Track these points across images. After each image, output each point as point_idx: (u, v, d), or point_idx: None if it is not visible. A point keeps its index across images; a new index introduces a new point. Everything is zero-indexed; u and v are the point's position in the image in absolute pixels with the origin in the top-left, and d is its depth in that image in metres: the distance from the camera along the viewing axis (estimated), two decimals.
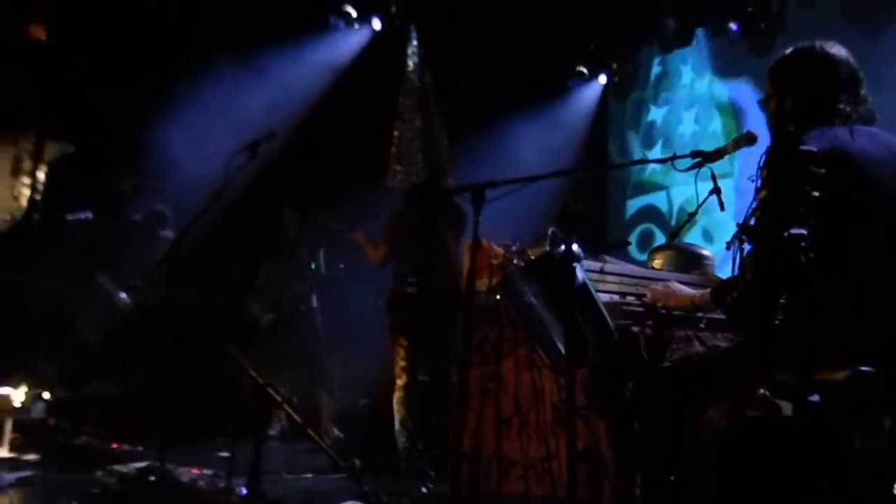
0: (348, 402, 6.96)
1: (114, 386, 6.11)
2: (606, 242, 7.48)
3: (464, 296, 3.66)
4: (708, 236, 7.26)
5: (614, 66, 8.67)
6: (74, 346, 6.32)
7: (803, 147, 2.16)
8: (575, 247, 2.79)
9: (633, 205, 8.62)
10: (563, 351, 2.78)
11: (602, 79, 8.77)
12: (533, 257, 3.01)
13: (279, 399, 3.82)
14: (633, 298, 3.08)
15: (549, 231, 2.97)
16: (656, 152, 8.30)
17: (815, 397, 2.07)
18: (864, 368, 2.20)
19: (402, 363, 5.39)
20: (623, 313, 2.93)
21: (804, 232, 2.07)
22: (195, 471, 4.84)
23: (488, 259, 3.98)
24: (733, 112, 7.73)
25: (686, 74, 8.26)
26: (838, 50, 2.64)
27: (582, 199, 6.25)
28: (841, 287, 2.31)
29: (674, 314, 2.88)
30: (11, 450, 5.46)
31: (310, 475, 5.16)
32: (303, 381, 6.60)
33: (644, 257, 4.60)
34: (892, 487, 2.36)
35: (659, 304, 2.90)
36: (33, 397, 5.86)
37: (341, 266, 6.78)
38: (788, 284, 2.09)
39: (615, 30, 8.24)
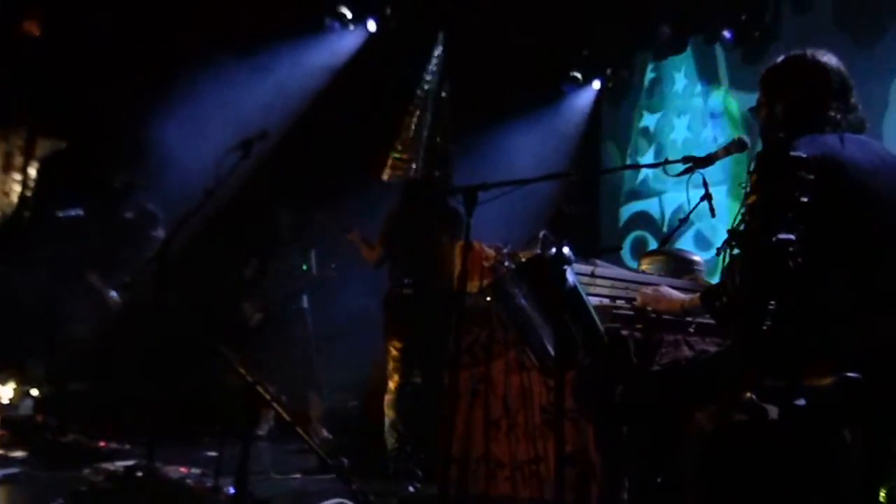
0: (338, 404, 6.96)
1: (102, 384, 6.09)
2: (598, 247, 7.50)
3: (454, 297, 3.66)
4: (701, 243, 7.28)
5: (608, 71, 8.69)
6: (64, 343, 6.29)
7: (793, 153, 2.17)
8: (566, 250, 2.80)
9: (627, 211, 8.64)
10: (552, 353, 2.79)
11: (596, 84, 8.79)
12: (524, 260, 3.02)
13: (268, 397, 3.81)
14: (623, 302, 3.09)
15: (541, 234, 2.98)
16: (649, 158, 8.32)
17: (802, 402, 2.08)
18: (850, 374, 2.22)
19: (396, 365, 5.39)
20: (613, 317, 2.94)
21: (792, 237, 2.08)
22: (183, 469, 4.83)
23: (480, 261, 3.99)
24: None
25: (679, 81, 8.29)
26: (829, 58, 2.66)
27: (574, 202, 6.27)
28: (829, 293, 2.32)
29: (663, 318, 2.89)
30: None
31: (298, 475, 5.16)
32: (292, 382, 6.59)
33: (636, 264, 4.62)
34: (878, 494, 2.38)
35: (649, 308, 2.91)
36: (21, 394, 5.85)
37: (332, 266, 6.78)
38: (776, 289, 2.10)
39: (610, 36, 8.27)
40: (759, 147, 2.46)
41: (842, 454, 2.21)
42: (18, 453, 5.28)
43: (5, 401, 5.72)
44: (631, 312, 2.95)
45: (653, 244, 8.17)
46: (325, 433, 6.50)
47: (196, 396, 6.03)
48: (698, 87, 8.09)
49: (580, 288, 2.88)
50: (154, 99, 6.91)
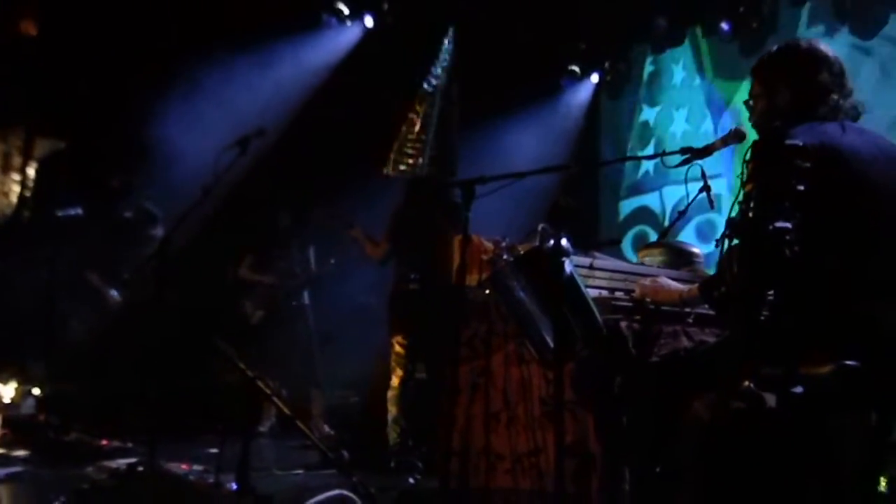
0: (339, 399, 6.97)
1: (103, 382, 6.10)
2: (597, 240, 7.50)
3: (450, 290, 3.66)
4: (702, 235, 7.28)
5: (606, 65, 8.69)
6: (64, 342, 6.30)
7: (789, 141, 2.17)
8: (564, 242, 2.80)
9: (627, 206, 8.64)
10: (551, 345, 2.79)
11: (594, 78, 8.78)
12: (522, 252, 3.02)
13: (268, 392, 3.82)
14: (621, 294, 3.09)
15: (539, 227, 2.98)
16: (648, 152, 8.32)
17: (799, 390, 2.08)
18: (848, 363, 2.22)
19: (400, 360, 5.40)
20: (612, 308, 2.94)
21: (789, 225, 2.08)
22: (185, 466, 4.86)
23: (478, 254, 3.99)
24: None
25: (678, 74, 8.28)
26: (824, 46, 2.67)
27: (571, 195, 6.27)
28: (826, 281, 2.32)
29: (662, 309, 2.89)
30: (1, 446, 5.45)
31: (300, 471, 5.17)
32: (294, 378, 6.60)
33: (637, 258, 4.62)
34: (878, 483, 2.38)
35: (647, 300, 2.91)
36: (23, 393, 5.86)
37: (332, 262, 6.79)
38: (774, 278, 2.10)
39: (607, 29, 8.26)
40: (752, 138, 2.47)
41: (840, 443, 2.22)
42: (21, 452, 5.29)
43: (7, 400, 5.73)
44: (630, 304, 2.95)
45: (654, 238, 8.16)
46: (326, 429, 6.51)
47: (197, 393, 6.04)
48: (697, 80, 8.09)
49: (578, 280, 2.88)
50: (151, 97, 6.91)
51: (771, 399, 2.15)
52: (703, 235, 7.26)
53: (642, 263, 3.59)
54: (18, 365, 6.03)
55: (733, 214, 2.29)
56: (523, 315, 2.95)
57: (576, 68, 8.68)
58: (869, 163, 2.45)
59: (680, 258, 3.58)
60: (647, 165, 8.37)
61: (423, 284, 5.44)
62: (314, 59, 7.95)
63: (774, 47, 2.73)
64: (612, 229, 8.56)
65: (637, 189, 8.53)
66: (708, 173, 3.40)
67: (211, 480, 4.21)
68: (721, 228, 2.32)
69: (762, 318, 2.10)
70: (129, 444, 5.53)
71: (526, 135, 8.22)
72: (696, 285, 2.73)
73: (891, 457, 2.39)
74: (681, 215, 4.12)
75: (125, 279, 6.47)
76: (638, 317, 2.90)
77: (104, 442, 5.58)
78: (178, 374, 5.87)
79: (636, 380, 2.79)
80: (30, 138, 7.39)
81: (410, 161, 8.16)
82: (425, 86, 8.29)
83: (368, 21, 8.15)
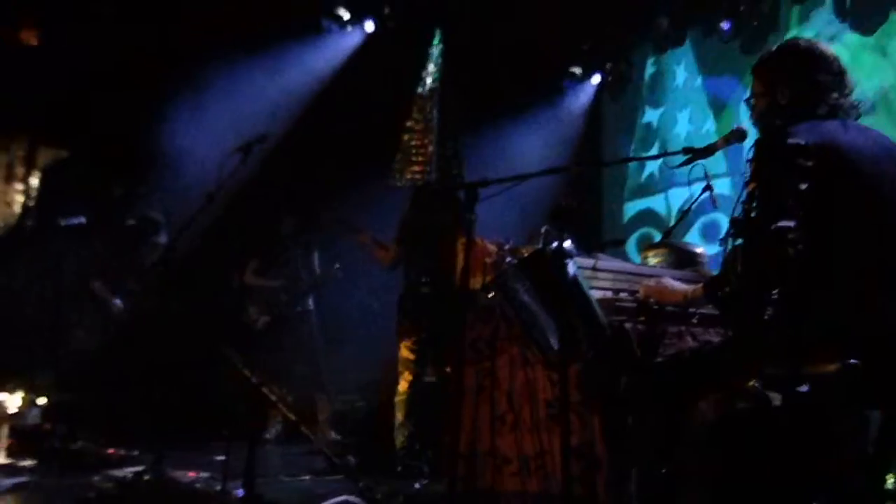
0: (345, 405, 6.96)
1: (109, 391, 6.10)
2: (601, 242, 7.50)
3: (458, 294, 3.66)
4: (707, 235, 7.27)
5: (608, 66, 8.68)
6: (70, 351, 6.31)
7: (791, 140, 2.17)
8: (567, 243, 2.79)
9: (631, 208, 8.62)
10: (556, 347, 2.79)
11: (596, 79, 8.78)
12: (525, 255, 3.01)
13: (274, 398, 3.82)
14: (625, 295, 3.09)
15: (543, 229, 2.98)
16: (652, 154, 8.31)
17: (805, 389, 2.08)
18: (853, 361, 2.21)
19: (408, 364, 5.40)
20: (616, 309, 2.94)
21: (792, 224, 2.08)
22: (191, 474, 4.85)
23: (482, 257, 3.99)
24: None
25: (680, 75, 8.28)
26: (823, 45, 2.68)
27: (574, 196, 6.27)
28: (830, 279, 2.32)
29: (666, 310, 2.89)
30: (7, 456, 5.46)
31: (307, 477, 5.17)
32: (299, 384, 6.60)
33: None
34: (884, 481, 2.37)
35: (652, 300, 2.91)
36: (29, 403, 5.86)
37: (336, 267, 6.78)
38: (778, 277, 2.09)
39: (608, 30, 8.25)
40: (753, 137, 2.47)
41: (846, 441, 2.21)
42: (27, 462, 5.30)
43: (13, 410, 5.73)
44: (634, 305, 2.95)
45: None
46: (332, 434, 6.50)
47: (203, 401, 6.04)
48: (698, 80, 8.08)
49: (582, 281, 2.87)
50: (154, 106, 6.92)
51: (776, 398, 2.14)
52: (708, 236, 7.24)
53: (646, 264, 3.59)
54: (24, 374, 6.03)
55: (737, 214, 2.28)
56: (527, 317, 2.94)
57: (577, 70, 8.67)
58: (871, 160, 2.45)
59: (683, 258, 3.58)
60: (652, 168, 8.35)
61: (434, 288, 5.43)
62: (315, 64, 7.96)
63: (775, 47, 2.74)
64: (615, 231, 8.55)
65: (641, 191, 8.51)
66: (711, 173, 3.40)
67: (217, 488, 4.21)
68: (725, 228, 2.32)
69: (766, 317, 2.09)
70: (136, 453, 5.53)
71: (528, 137, 8.22)
72: (701, 285, 2.72)
73: None
74: (684, 215, 4.13)
75: (130, 287, 6.48)
76: (643, 317, 2.89)
77: (110, 451, 5.58)
78: (183, 382, 5.89)
79: (641, 381, 2.78)
80: (33, 148, 7.40)
81: (417, 168, 8.18)
82: (420, 90, 8.31)
83: (369, 26, 8.16)
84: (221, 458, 4.15)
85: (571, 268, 2.78)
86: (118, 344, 6.32)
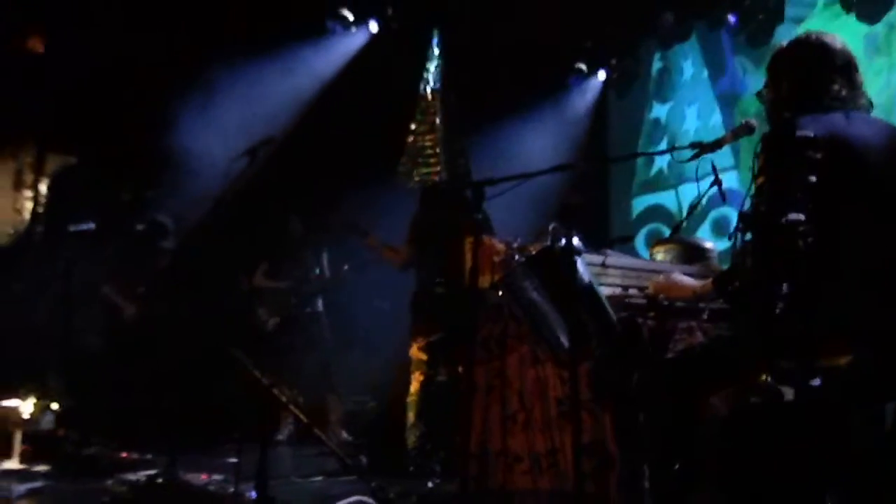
0: (356, 405, 6.97)
1: (121, 395, 6.12)
2: (609, 238, 7.48)
3: (467, 293, 3.65)
4: (718, 230, 7.24)
5: (613, 62, 8.65)
6: (82, 356, 6.33)
7: (799, 133, 2.16)
8: (576, 241, 2.79)
9: (640, 203, 8.59)
10: (566, 345, 2.78)
11: (601, 75, 8.75)
12: (534, 252, 3.01)
13: (284, 399, 3.83)
14: (635, 291, 3.08)
15: (551, 226, 2.97)
16: (661, 149, 8.28)
17: (817, 382, 2.07)
18: (865, 353, 2.20)
19: (420, 364, 5.39)
20: (626, 306, 2.93)
21: (802, 217, 2.07)
22: (204, 476, 4.86)
23: (490, 256, 3.98)
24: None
25: (687, 70, 8.25)
26: (833, 38, 2.66)
27: (582, 193, 6.26)
28: (841, 272, 2.30)
29: (676, 305, 2.88)
30: (22, 461, 5.49)
31: (319, 478, 5.17)
32: (310, 385, 6.61)
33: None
34: None
35: (661, 296, 2.90)
36: (42, 409, 5.88)
37: (346, 268, 6.79)
38: (788, 270, 2.08)
39: (613, 25, 8.22)
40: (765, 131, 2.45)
41: (860, 434, 2.20)
42: (41, 467, 5.32)
43: (26, 416, 5.76)
44: (643, 301, 2.94)
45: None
46: (344, 435, 6.51)
47: (214, 403, 6.05)
48: (705, 74, 8.05)
49: (591, 278, 2.86)
50: (161, 111, 6.93)
51: (789, 392, 2.13)
52: (719, 231, 7.20)
53: (654, 260, 3.58)
54: (37, 380, 6.06)
55: (746, 208, 2.27)
56: (537, 315, 2.93)
57: (583, 66, 8.65)
58: (879, 151, 2.44)
59: (692, 253, 3.56)
60: (661, 163, 8.32)
61: (448, 287, 5.43)
62: (320, 65, 7.96)
63: (786, 41, 2.75)
64: (624, 227, 8.53)
65: (650, 187, 8.48)
66: (720, 167, 3.38)
67: (230, 490, 4.22)
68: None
69: (777, 310, 2.08)
70: (149, 456, 5.55)
71: (534, 135, 8.19)
72: (710, 280, 2.71)
73: None
74: (692, 210, 4.10)
75: (140, 292, 6.50)
76: (652, 313, 2.88)
77: (124, 454, 5.61)
78: (194, 385, 5.90)
79: (652, 377, 2.77)
80: (41, 154, 7.43)
81: (425, 170, 8.19)
82: (422, 91, 8.31)
83: (373, 26, 8.16)
84: (234, 460, 4.17)
85: (580, 265, 2.78)
86: (129, 348, 6.34)
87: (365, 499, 3.92)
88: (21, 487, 4.65)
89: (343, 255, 6.86)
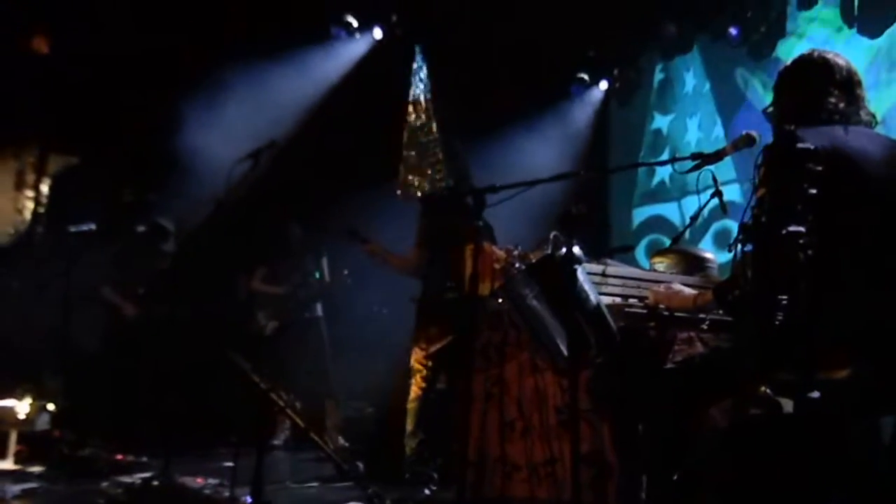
0: (354, 411, 6.96)
1: (118, 397, 6.12)
2: (609, 247, 7.48)
3: (467, 300, 3.65)
4: (719, 242, 7.23)
5: (615, 72, 8.67)
6: (79, 357, 6.33)
7: (800, 145, 2.16)
8: (576, 249, 2.79)
9: (640, 214, 8.59)
10: (565, 353, 2.78)
11: (603, 85, 8.77)
12: (534, 260, 3.01)
13: (281, 404, 3.82)
14: (635, 300, 3.08)
15: (551, 234, 2.97)
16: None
17: (817, 394, 2.06)
18: (865, 366, 2.20)
19: (424, 371, 5.36)
20: (625, 315, 2.93)
21: (802, 229, 2.07)
22: (199, 480, 4.85)
23: (490, 263, 3.98)
24: None
25: (689, 82, 8.26)
26: (835, 55, 2.69)
27: (583, 202, 6.26)
28: (841, 284, 2.31)
29: (676, 315, 2.88)
30: (16, 462, 5.48)
31: (315, 484, 5.16)
32: (308, 390, 6.60)
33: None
34: None
35: (661, 306, 2.90)
36: (38, 409, 5.87)
37: (345, 273, 6.78)
38: (788, 282, 2.09)
39: (615, 36, 8.25)
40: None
41: (859, 447, 2.20)
42: (36, 468, 5.31)
43: (22, 416, 5.75)
44: (643, 310, 2.94)
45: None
46: (341, 441, 6.49)
47: (211, 407, 6.05)
48: (707, 86, 8.07)
49: (591, 287, 2.87)
50: (163, 113, 6.95)
51: (788, 404, 2.13)
52: (720, 243, 7.20)
53: (654, 270, 3.58)
54: (33, 381, 6.05)
55: (746, 219, 2.28)
56: (537, 323, 2.93)
57: (585, 76, 8.67)
58: (879, 164, 2.45)
59: (692, 264, 3.56)
60: (663, 174, 8.32)
61: (460, 292, 5.39)
62: (324, 70, 7.97)
63: (790, 59, 2.78)
64: (624, 237, 8.52)
65: (651, 198, 8.48)
66: (722, 179, 3.38)
67: (226, 494, 4.21)
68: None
69: (777, 322, 2.08)
70: (144, 459, 5.54)
71: (536, 143, 8.20)
72: (710, 290, 2.71)
73: None
74: (692, 221, 4.10)
75: (139, 294, 6.50)
76: (652, 323, 2.88)
77: (119, 457, 5.60)
78: (192, 388, 5.89)
79: (652, 387, 2.77)
80: (43, 155, 7.44)
81: (435, 178, 8.19)
82: (411, 96, 8.34)
83: (377, 33, 8.18)
84: (230, 464, 4.16)
85: (581, 274, 2.78)
86: (127, 350, 6.34)
87: None
88: (15, 488, 4.64)
89: (343, 261, 6.85)
